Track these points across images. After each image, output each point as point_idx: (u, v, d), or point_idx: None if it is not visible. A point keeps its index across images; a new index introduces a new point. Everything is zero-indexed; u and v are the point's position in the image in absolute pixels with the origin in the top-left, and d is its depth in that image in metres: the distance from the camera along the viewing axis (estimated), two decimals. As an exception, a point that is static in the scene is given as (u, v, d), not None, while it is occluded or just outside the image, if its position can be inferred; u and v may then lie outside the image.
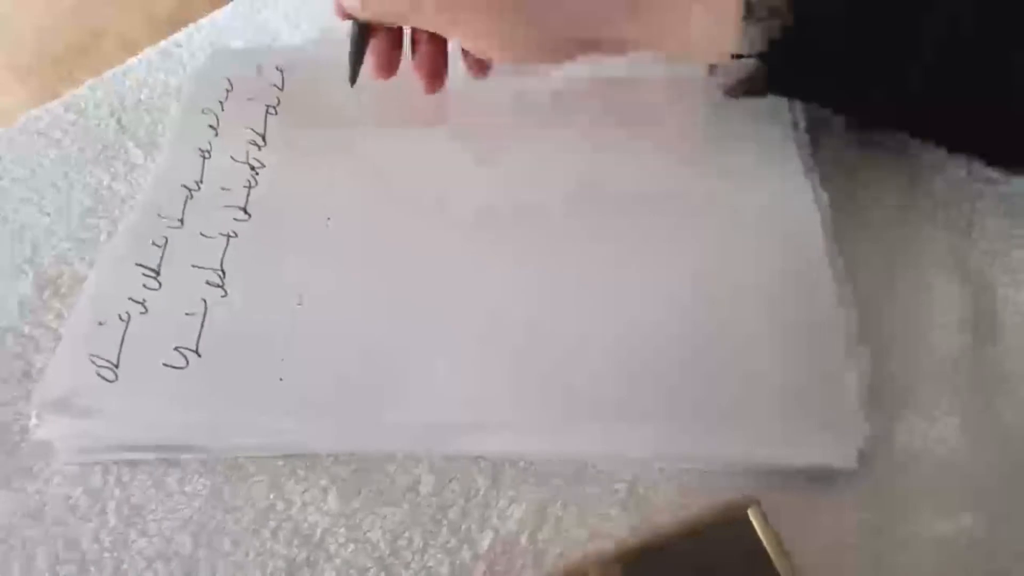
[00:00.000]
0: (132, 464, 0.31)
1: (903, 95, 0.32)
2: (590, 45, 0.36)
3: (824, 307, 0.32)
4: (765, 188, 0.37)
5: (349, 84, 0.39)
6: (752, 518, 0.26)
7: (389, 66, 0.39)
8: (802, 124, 0.39)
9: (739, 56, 0.33)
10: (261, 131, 0.41)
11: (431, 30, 0.37)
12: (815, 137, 0.39)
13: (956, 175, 0.38)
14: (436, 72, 0.39)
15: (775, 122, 0.39)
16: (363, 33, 0.38)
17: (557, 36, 0.35)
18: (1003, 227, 0.36)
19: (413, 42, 0.40)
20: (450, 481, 0.30)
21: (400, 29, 0.39)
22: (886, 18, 0.31)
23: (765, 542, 0.26)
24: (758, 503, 0.26)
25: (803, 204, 0.36)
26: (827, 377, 0.30)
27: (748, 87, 0.34)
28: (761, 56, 0.32)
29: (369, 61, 0.39)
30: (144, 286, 0.34)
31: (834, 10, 0.31)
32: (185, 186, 0.39)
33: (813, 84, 0.34)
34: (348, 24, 0.39)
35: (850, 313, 0.32)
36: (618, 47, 0.36)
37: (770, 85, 0.34)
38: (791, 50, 0.32)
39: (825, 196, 0.36)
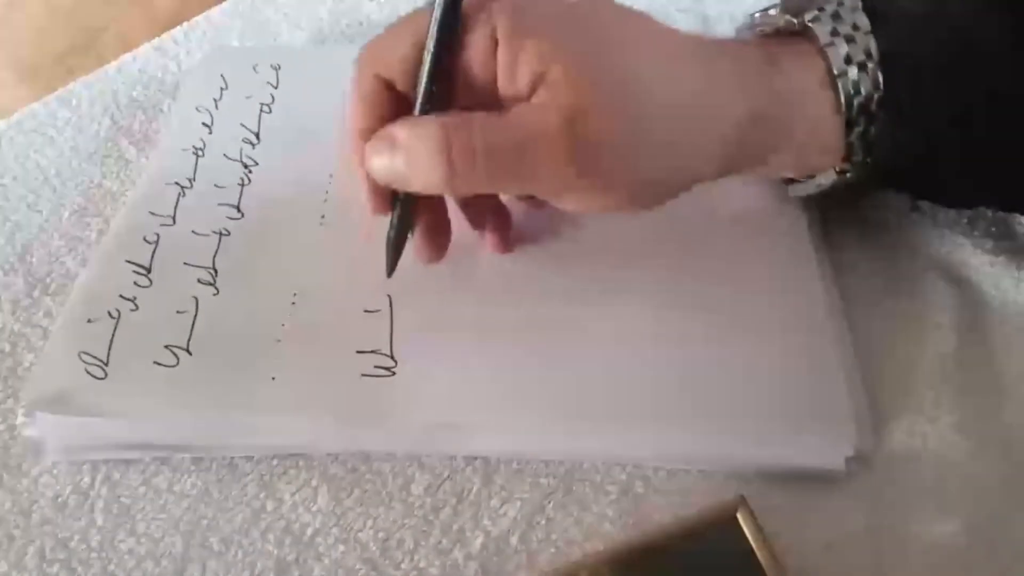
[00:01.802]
0: (121, 463, 0.31)
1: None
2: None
3: (815, 308, 0.32)
4: (751, 190, 0.36)
5: (386, 276, 0.32)
6: (740, 519, 0.26)
7: (440, 250, 0.33)
8: None
9: (843, 172, 0.31)
10: (255, 129, 0.41)
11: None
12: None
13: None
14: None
15: None
16: (410, 212, 0.31)
17: (661, 188, 0.30)
18: (1001, 226, 0.35)
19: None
20: (442, 481, 0.30)
21: (444, 207, 0.33)
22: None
23: (753, 543, 0.25)
24: (746, 504, 0.26)
25: (789, 208, 0.35)
26: (819, 379, 0.30)
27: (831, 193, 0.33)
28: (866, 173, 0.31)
29: (416, 244, 0.33)
30: (135, 283, 0.34)
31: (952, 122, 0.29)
32: (178, 183, 0.38)
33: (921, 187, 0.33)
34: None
35: (842, 314, 0.32)
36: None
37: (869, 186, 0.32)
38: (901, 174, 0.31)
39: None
